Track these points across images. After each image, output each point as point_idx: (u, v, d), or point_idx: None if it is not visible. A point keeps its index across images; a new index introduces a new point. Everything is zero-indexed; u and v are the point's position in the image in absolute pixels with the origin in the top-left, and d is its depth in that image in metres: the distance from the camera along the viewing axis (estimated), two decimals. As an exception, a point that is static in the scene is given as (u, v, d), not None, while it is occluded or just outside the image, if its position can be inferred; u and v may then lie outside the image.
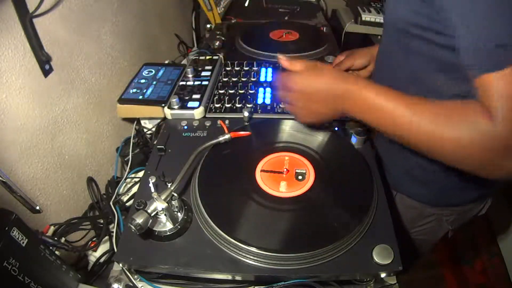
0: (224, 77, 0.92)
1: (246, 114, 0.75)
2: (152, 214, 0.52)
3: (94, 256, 0.69)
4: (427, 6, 0.51)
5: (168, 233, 0.55)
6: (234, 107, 0.82)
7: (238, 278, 0.55)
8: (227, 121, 0.76)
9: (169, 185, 0.55)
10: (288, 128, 0.74)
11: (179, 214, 0.57)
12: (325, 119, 0.62)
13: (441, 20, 0.50)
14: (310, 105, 0.60)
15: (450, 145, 0.46)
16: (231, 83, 0.91)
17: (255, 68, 0.96)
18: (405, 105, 0.49)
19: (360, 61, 0.85)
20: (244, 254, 0.52)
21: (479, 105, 0.44)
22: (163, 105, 0.82)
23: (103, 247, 0.69)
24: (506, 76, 0.41)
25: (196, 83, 0.88)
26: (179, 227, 0.56)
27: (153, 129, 0.88)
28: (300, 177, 0.63)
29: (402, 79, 0.65)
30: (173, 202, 0.55)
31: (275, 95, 0.68)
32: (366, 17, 1.59)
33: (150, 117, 0.88)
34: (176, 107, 0.79)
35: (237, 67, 0.98)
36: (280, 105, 0.81)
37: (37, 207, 0.64)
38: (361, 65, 0.85)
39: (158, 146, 0.70)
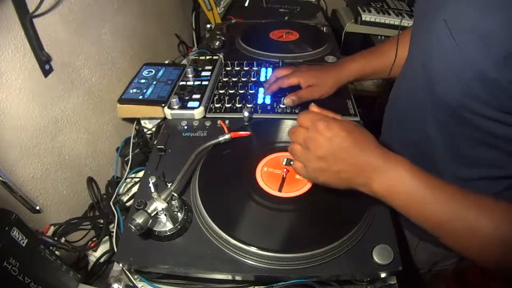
0: (224, 77, 0.92)
1: (246, 114, 0.75)
2: (152, 214, 0.52)
3: (94, 256, 0.69)
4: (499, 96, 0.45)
5: (168, 233, 0.55)
6: (234, 107, 0.82)
7: (238, 278, 0.54)
8: (227, 121, 0.76)
9: (169, 185, 0.55)
10: (288, 128, 0.74)
11: (179, 214, 0.57)
12: (338, 185, 0.51)
13: None
14: (334, 163, 0.48)
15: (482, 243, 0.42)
16: (231, 83, 0.91)
17: (255, 68, 0.96)
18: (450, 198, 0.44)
19: (305, 81, 0.79)
20: (244, 254, 0.52)
21: None
22: (163, 105, 0.81)
23: (103, 247, 0.69)
24: None
25: (196, 83, 0.88)
26: (179, 227, 0.56)
27: (153, 129, 0.88)
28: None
29: (429, 131, 0.60)
30: (173, 202, 0.55)
31: (290, 131, 0.54)
32: (366, 17, 1.59)
33: (150, 117, 0.88)
34: (176, 107, 0.79)
35: (237, 67, 0.98)
36: (280, 105, 0.81)
37: (37, 207, 0.64)
38: (305, 85, 0.80)
39: (158, 146, 0.70)
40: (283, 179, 0.62)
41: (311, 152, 0.49)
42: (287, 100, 0.79)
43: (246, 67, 0.97)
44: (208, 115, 0.80)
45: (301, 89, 0.80)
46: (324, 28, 1.22)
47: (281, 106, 0.81)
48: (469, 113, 0.51)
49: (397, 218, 0.75)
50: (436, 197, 0.44)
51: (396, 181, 0.46)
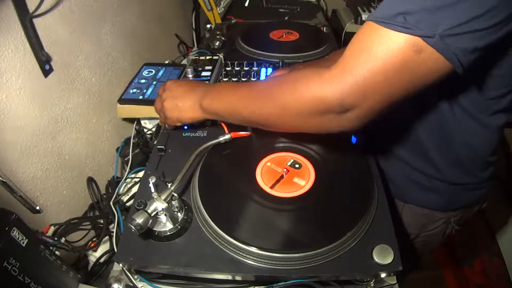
0: (224, 77, 0.92)
1: (246, 114, 0.75)
2: (152, 214, 0.52)
3: (94, 256, 0.69)
4: None
5: (168, 233, 0.55)
6: (234, 107, 0.82)
7: (238, 278, 0.55)
8: (227, 121, 0.76)
9: (169, 185, 0.55)
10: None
11: (179, 214, 0.57)
12: (187, 115, 0.67)
13: None
14: (176, 101, 0.67)
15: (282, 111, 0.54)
16: (231, 83, 0.91)
17: (255, 68, 0.96)
18: (248, 85, 0.61)
19: None
20: (244, 254, 0.52)
21: (317, 70, 0.48)
22: (163, 105, 0.81)
23: (103, 247, 0.69)
24: (381, 34, 0.43)
25: (196, 83, 0.87)
26: (179, 227, 0.56)
27: (153, 129, 0.88)
28: (297, 166, 0.65)
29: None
30: (173, 202, 0.55)
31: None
32: (366, 17, 1.59)
33: (150, 117, 0.88)
34: (176, 107, 0.79)
35: (237, 67, 0.98)
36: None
37: (37, 207, 0.64)
38: None
39: (158, 146, 0.70)
40: (281, 177, 0.62)
41: (165, 99, 0.68)
42: None
43: (246, 67, 0.97)
44: (208, 115, 0.80)
45: None
46: (324, 28, 1.22)
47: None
48: None
49: (386, 184, 0.78)
50: (227, 94, 0.62)
51: (216, 95, 0.64)
